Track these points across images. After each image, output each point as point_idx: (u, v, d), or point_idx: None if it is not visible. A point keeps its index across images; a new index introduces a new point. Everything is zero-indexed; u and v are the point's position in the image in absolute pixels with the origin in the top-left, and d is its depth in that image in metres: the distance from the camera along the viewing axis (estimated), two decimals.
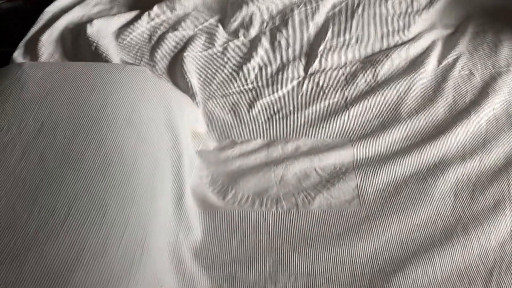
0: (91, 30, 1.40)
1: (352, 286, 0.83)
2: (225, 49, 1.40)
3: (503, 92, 1.14)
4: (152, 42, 1.42)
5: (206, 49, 1.39)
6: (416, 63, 1.28)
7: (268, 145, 1.11)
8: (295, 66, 1.32)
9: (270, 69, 1.32)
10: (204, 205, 0.98)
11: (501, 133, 1.06)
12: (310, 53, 1.36)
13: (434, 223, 0.91)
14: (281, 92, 1.25)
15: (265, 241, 0.91)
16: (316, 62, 1.32)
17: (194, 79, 1.28)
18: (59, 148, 0.82)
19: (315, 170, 1.04)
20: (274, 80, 1.29)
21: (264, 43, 1.39)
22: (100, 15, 1.52)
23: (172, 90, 1.14)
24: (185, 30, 1.44)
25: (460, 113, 1.11)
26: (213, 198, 0.99)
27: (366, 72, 1.27)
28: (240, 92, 1.26)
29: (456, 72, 1.23)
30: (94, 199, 0.76)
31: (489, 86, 1.16)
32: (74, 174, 0.79)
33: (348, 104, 1.19)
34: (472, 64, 1.24)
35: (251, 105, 1.22)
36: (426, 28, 1.40)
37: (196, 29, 1.46)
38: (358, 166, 1.04)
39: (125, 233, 0.75)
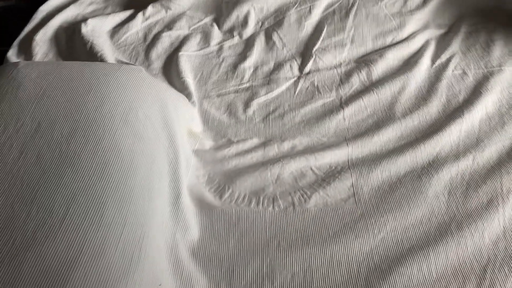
0: (85, 29, 1.39)
1: (349, 284, 0.83)
2: (220, 49, 1.40)
3: (496, 91, 1.16)
4: (147, 42, 1.42)
5: (201, 49, 1.40)
6: (410, 63, 1.29)
7: (264, 144, 1.12)
8: (290, 65, 1.33)
9: (266, 69, 1.33)
10: (201, 204, 0.98)
11: (493, 132, 1.07)
12: (305, 52, 1.37)
13: (429, 221, 0.92)
14: (276, 92, 1.26)
15: (262, 240, 0.92)
16: (311, 61, 1.33)
17: (189, 78, 1.28)
18: (56, 147, 0.82)
19: (311, 169, 1.05)
20: (269, 80, 1.29)
21: (259, 42, 1.40)
22: (94, 14, 1.52)
23: (168, 89, 1.14)
24: (180, 30, 1.45)
25: (453, 112, 1.13)
26: (210, 197, 1.00)
27: (360, 71, 1.28)
28: (236, 92, 1.27)
29: (449, 71, 1.24)
30: (92, 199, 0.76)
31: (482, 86, 1.18)
32: (71, 173, 0.79)
33: (343, 104, 1.20)
34: (465, 64, 1.26)
35: (247, 105, 1.22)
36: (419, 28, 1.41)
37: (191, 29, 1.46)
38: (353, 165, 1.05)
39: (123, 233, 0.75)
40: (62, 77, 0.95)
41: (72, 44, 1.40)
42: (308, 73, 1.31)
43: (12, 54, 1.34)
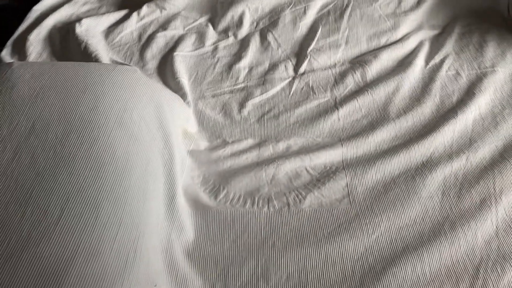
0: (79, 29, 1.39)
1: (343, 284, 0.84)
2: (215, 49, 1.40)
3: (489, 92, 1.17)
4: (142, 42, 1.42)
5: (196, 49, 1.40)
6: (404, 64, 1.30)
7: (259, 144, 1.12)
8: (285, 66, 1.33)
9: (260, 69, 1.33)
10: (196, 205, 0.98)
11: (486, 132, 1.08)
12: (299, 53, 1.37)
13: (423, 221, 0.93)
14: (271, 92, 1.26)
15: (257, 240, 0.92)
16: (306, 62, 1.33)
17: (184, 79, 1.28)
18: (51, 148, 0.82)
19: (306, 169, 1.05)
20: (264, 80, 1.29)
21: (254, 43, 1.40)
22: (88, 14, 1.52)
23: (163, 90, 1.14)
24: (175, 30, 1.44)
25: (447, 113, 1.13)
26: (205, 198, 1.00)
27: (355, 72, 1.29)
28: (231, 92, 1.27)
29: (443, 72, 1.25)
30: (86, 200, 0.76)
31: (475, 86, 1.19)
32: (66, 174, 0.78)
33: (337, 104, 1.21)
34: (458, 65, 1.27)
35: (242, 105, 1.23)
36: (413, 29, 1.42)
37: (186, 29, 1.46)
38: (347, 165, 1.06)
39: (118, 234, 0.75)
40: (57, 77, 0.94)
41: (66, 44, 1.39)
42: (303, 73, 1.31)
43: (5, 54, 1.33)
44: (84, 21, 1.41)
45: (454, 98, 1.18)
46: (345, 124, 1.16)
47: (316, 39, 1.38)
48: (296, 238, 0.92)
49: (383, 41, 1.39)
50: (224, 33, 1.45)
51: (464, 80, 1.22)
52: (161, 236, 0.88)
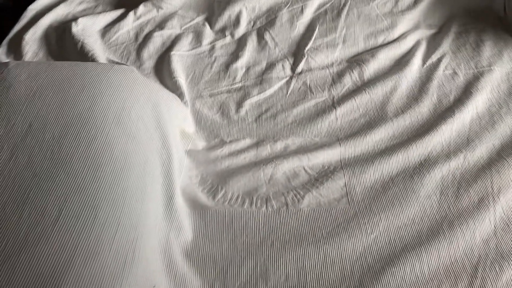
0: (76, 28, 1.38)
1: (342, 284, 0.84)
2: (212, 48, 1.40)
3: (486, 91, 1.17)
4: (139, 41, 1.41)
5: (193, 48, 1.39)
6: (401, 63, 1.30)
7: (257, 144, 1.12)
8: (283, 65, 1.33)
9: (258, 69, 1.33)
10: (194, 205, 0.98)
11: (484, 131, 1.09)
12: (297, 52, 1.37)
13: (421, 221, 0.93)
14: (269, 92, 1.26)
15: (255, 240, 0.92)
16: (303, 61, 1.33)
17: (181, 78, 1.27)
18: (48, 149, 0.81)
19: (304, 169, 1.05)
20: (261, 80, 1.29)
21: (251, 42, 1.40)
22: (85, 13, 1.51)
23: (160, 89, 1.14)
24: (172, 29, 1.44)
25: (444, 112, 1.14)
26: (203, 198, 1.00)
27: (352, 71, 1.29)
28: (228, 92, 1.26)
29: (440, 71, 1.25)
30: (85, 200, 0.75)
31: (472, 86, 1.19)
32: (64, 175, 0.78)
33: (335, 103, 1.21)
34: (455, 64, 1.27)
35: (239, 105, 1.22)
36: (410, 28, 1.42)
37: (183, 28, 1.45)
38: (346, 164, 1.06)
39: (116, 235, 0.75)
40: (53, 77, 0.94)
41: (63, 44, 1.38)
42: (300, 73, 1.31)
43: (1, 54, 1.33)
44: (80, 20, 1.41)
45: (452, 97, 1.18)
46: (343, 123, 1.16)
47: (313, 38, 1.38)
48: (294, 238, 0.91)
49: (380, 40, 1.39)
50: (221, 32, 1.44)
51: (461, 79, 1.23)
52: (160, 236, 0.88)
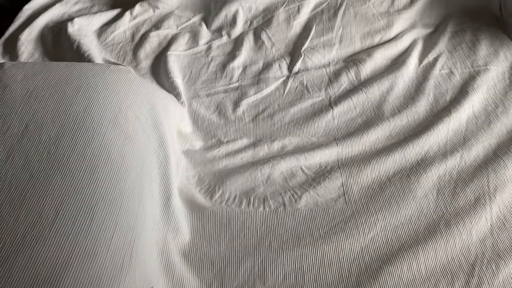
0: (72, 28, 1.38)
1: (340, 284, 0.84)
2: (209, 48, 1.40)
3: (482, 91, 1.18)
4: (135, 41, 1.41)
5: (190, 48, 1.39)
6: (397, 62, 1.30)
7: (254, 144, 1.12)
8: (279, 65, 1.33)
9: (255, 68, 1.33)
10: (192, 205, 0.98)
11: (480, 130, 1.09)
12: (293, 52, 1.37)
13: (418, 220, 0.93)
14: (266, 91, 1.26)
15: (253, 241, 0.92)
16: (300, 61, 1.33)
17: (178, 78, 1.27)
18: (44, 150, 0.81)
19: (301, 169, 1.05)
20: (258, 79, 1.29)
21: (248, 42, 1.40)
22: (81, 13, 1.50)
23: (157, 90, 1.13)
24: (169, 29, 1.44)
25: (441, 112, 1.14)
26: (201, 198, 0.99)
27: (349, 71, 1.29)
28: (225, 91, 1.26)
29: (436, 71, 1.26)
30: (81, 202, 0.75)
31: (468, 85, 1.19)
32: (60, 176, 0.77)
33: (332, 103, 1.21)
34: (452, 63, 1.28)
35: (236, 104, 1.22)
36: (407, 27, 1.43)
37: (179, 28, 1.45)
38: (343, 164, 1.06)
39: (113, 236, 0.74)
40: (49, 78, 0.93)
41: (59, 44, 1.38)
42: (297, 72, 1.31)
43: None
44: (76, 20, 1.40)
45: (448, 97, 1.18)
46: (340, 123, 1.16)
47: (310, 38, 1.38)
48: (292, 238, 0.91)
49: (376, 39, 1.39)
50: (218, 32, 1.44)
51: (457, 79, 1.23)
52: (157, 237, 0.87)
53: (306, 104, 1.22)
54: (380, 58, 1.32)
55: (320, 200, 0.98)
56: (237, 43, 1.41)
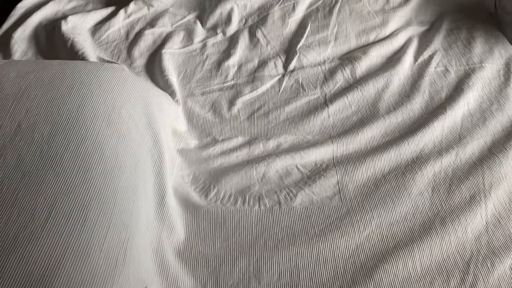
0: (66, 26, 1.37)
1: (335, 282, 0.84)
2: (204, 46, 1.39)
3: (477, 88, 1.18)
4: (129, 39, 1.40)
5: (185, 46, 1.38)
6: (393, 60, 1.30)
7: (250, 142, 1.11)
8: (275, 63, 1.33)
9: (250, 66, 1.33)
10: (187, 204, 0.97)
11: (475, 128, 1.09)
12: (289, 50, 1.37)
13: (413, 218, 0.93)
14: (261, 90, 1.25)
15: (248, 239, 0.91)
16: (295, 59, 1.33)
17: (173, 76, 1.27)
18: (37, 149, 0.80)
19: (297, 167, 1.05)
20: (253, 77, 1.29)
21: (243, 40, 1.39)
22: (75, 11, 1.49)
23: (152, 88, 1.13)
24: (163, 27, 1.43)
25: (436, 109, 1.14)
26: (195, 197, 0.99)
27: (344, 68, 1.29)
28: (220, 90, 1.26)
29: (431, 68, 1.26)
30: (74, 201, 0.74)
31: (463, 82, 1.19)
32: (53, 175, 0.77)
33: (327, 101, 1.21)
34: (447, 61, 1.28)
35: (231, 103, 1.22)
36: (402, 25, 1.43)
37: (174, 26, 1.44)
38: (338, 162, 1.05)
39: (107, 235, 0.74)
40: (43, 76, 0.92)
41: (52, 42, 1.37)
42: (293, 70, 1.30)
43: None
44: (70, 18, 1.39)
45: (443, 94, 1.18)
46: (335, 121, 1.16)
47: (305, 35, 1.38)
48: (287, 237, 0.91)
49: (372, 37, 1.39)
50: (213, 30, 1.44)
51: (452, 76, 1.23)
52: (151, 236, 0.87)
53: (301, 102, 1.21)
54: (376, 56, 1.32)
55: (316, 198, 0.98)
56: (232, 41, 1.40)
